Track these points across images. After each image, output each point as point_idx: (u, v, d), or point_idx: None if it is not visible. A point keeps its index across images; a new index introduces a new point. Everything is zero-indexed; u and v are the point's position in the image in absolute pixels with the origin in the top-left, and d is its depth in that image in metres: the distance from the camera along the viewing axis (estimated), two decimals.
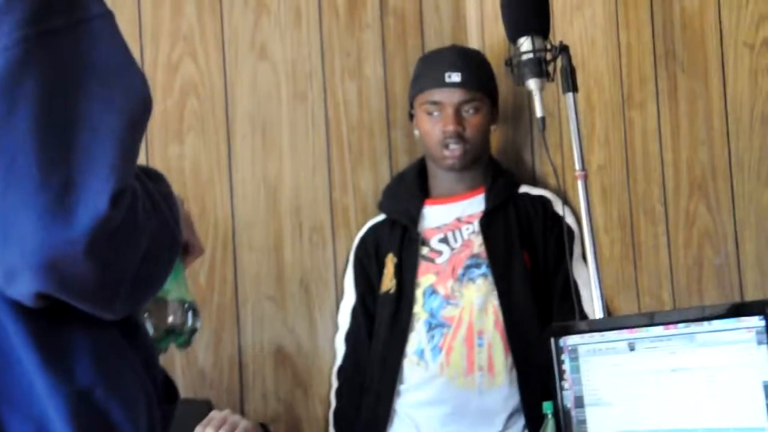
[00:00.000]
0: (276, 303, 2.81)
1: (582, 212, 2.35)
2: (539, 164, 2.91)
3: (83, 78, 1.00)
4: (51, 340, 1.06)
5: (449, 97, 2.72)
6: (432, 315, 2.67)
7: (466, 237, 2.72)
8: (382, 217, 2.82)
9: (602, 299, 2.29)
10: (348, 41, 2.97)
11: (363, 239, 2.81)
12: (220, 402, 2.64)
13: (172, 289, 1.33)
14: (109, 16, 1.05)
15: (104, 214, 0.96)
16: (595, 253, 2.34)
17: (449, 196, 2.79)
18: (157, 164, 2.63)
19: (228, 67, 2.84)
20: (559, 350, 1.95)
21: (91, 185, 0.96)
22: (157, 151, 2.75)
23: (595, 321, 2.25)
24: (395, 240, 2.74)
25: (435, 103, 2.73)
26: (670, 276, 2.45)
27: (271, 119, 2.87)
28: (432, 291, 2.69)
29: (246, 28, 2.87)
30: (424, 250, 2.72)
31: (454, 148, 2.71)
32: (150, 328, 1.30)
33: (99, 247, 0.97)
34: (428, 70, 2.80)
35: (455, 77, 2.73)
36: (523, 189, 2.79)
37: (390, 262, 2.73)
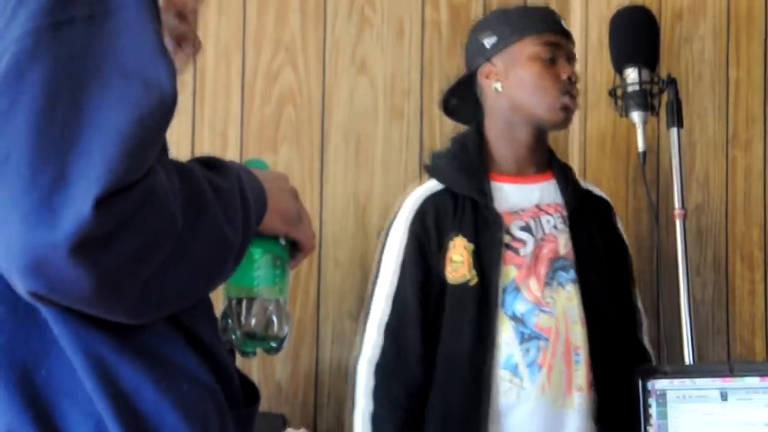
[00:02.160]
0: (357, 321, 2.78)
1: (678, 252, 2.29)
2: (632, 198, 2.84)
3: (100, 69, 0.95)
4: (88, 342, 1.03)
5: (566, 44, 2.39)
6: (522, 323, 2.28)
7: (547, 230, 2.35)
8: (435, 186, 2.38)
9: (692, 344, 2.22)
10: (448, 61, 2.94)
11: (421, 212, 2.34)
12: (294, 418, 2.62)
13: (262, 292, 1.25)
14: (141, 2, 0.99)
15: (87, 218, 0.90)
16: (688, 294, 2.27)
17: (518, 175, 2.41)
18: None
19: (327, 79, 2.84)
20: (647, 393, 1.89)
21: (81, 185, 0.90)
22: (251, 157, 2.74)
23: (686, 366, 2.18)
24: (467, 220, 2.31)
25: (556, 45, 2.36)
26: (764, 325, 2.38)
27: (366, 134, 2.85)
28: (514, 288, 2.30)
29: (348, 40, 2.86)
30: (506, 238, 2.32)
31: (573, 97, 2.35)
32: (231, 331, 1.25)
33: (85, 251, 0.91)
34: (537, 15, 2.44)
35: (566, 27, 2.43)
36: (585, 185, 2.48)
37: (462, 246, 2.30)
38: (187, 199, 1.01)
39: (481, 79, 2.44)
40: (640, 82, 2.42)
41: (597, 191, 2.48)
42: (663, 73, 2.55)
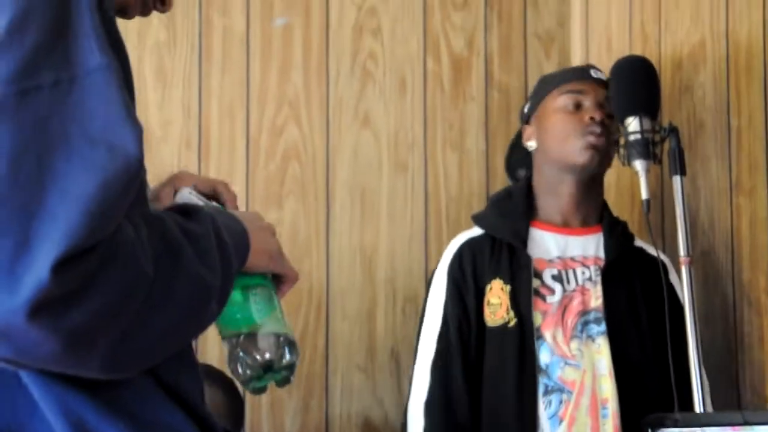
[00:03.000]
0: (366, 373, 2.79)
1: (686, 300, 2.29)
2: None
3: (65, 134, 0.94)
4: (68, 404, 1.03)
5: (594, 90, 2.48)
6: (546, 374, 2.32)
7: (580, 282, 2.41)
8: (476, 231, 2.49)
9: (702, 392, 2.22)
10: (451, 113, 2.96)
11: (458, 255, 2.44)
12: None
13: (266, 323, 1.27)
14: (109, 67, 0.98)
15: (45, 281, 0.90)
16: (696, 342, 2.27)
17: (561, 226, 2.49)
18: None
19: (331, 134, 2.86)
20: None
21: (42, 250, 0.90)
22: None
23: (694, 415, 2.18)
24: (503, 263, 2.39)
25: (579, 92, 2.48)
26: None
27: (371, 187, 2.87)
28: (539, 336, 2.34)
29: (351, 95, 2.88)
30: (536, 283, 2.38)
31: (599, 135, 2.41)
32: (245, 369, 1.26)
33: (46, 313, 0.91)
34: (565, 70, 2.63)
35: (600, 74, 2.52)
36: (638, 243, 2.54)
37: (499, 289, 2.37)
38: (156, 248, 1.01)
39: (524, 143, 2.58)
40: (642, 131, 2.43)
41: (652, 250, 2.48)
42: (665, 122, 2.56)
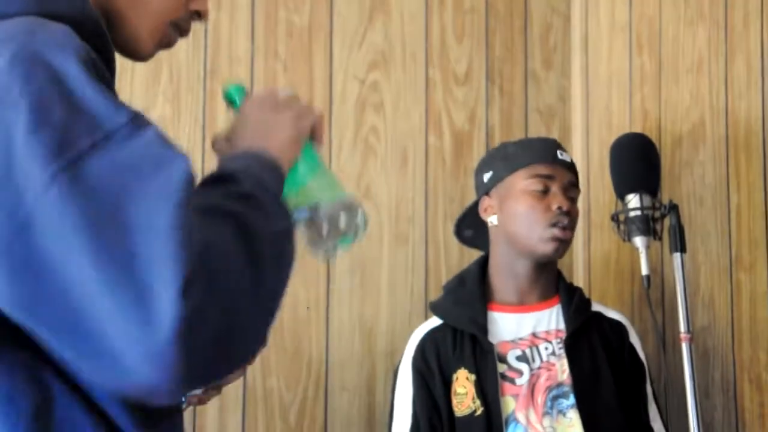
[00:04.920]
0: None
1: (686, 376, 2.29)
2: (638, 320, 2.84)
3: (123, 184, 0.99)
4: None
5: (561, 174, 2.42)
6: None
7: (545, 358, 2.39)
8: (436, 322, 2.46)
9: None
10: (452, 186, 2.98)
11: (421, 348, 2.42)
12: None
13: (323, 193, 1.27)
14: (134, 120, 1.04)
15: (180, 313, 0.95)
16: (697, 417, 2.26)
17: (519, 305, 2.46)
18: None
19: None
20: None
21: (160, 291, 0.95)
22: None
23: None
24: (466, 352, 2.37)
25: (547, 177, 2.40)
26: None
27: (372, 260, 2.87)
28: (514, 419, 2.32)
29: (353, 168, 2.90)
30: (502, 367, 2.36)
31: (566, 228, 2.37)
32: (325, 243, 1.26)
33: (187, 339, 0.96)
34: (531, 147, 2.48)
35: (566, 156, 2.46)
36: (596, 307, 2.50)
37: (465, 378, 2.35)
38: (231, 233, 1.04)
39: (481, 213, 2.52)
40: (642, 208, 2.45)
41: (610, 313, 2.50)
42: (665, 197, 2.58)
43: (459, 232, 2.64)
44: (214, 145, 1.37)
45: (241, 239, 1.04)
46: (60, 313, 0.97)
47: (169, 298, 0.94)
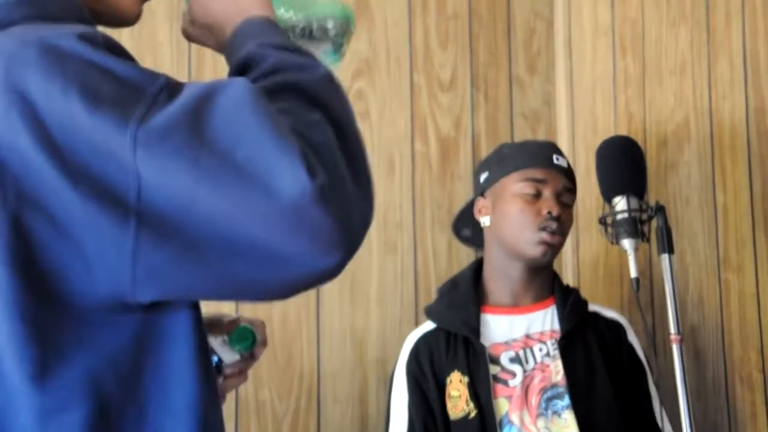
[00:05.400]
0: None
1: (677, 377, 2.28)
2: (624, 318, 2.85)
3: (196, 118, 1.02)
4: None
5: (555, 179, 2.44)
6: None
7: (539, 359, 2.40)
8: (430, 326, 2.48)
9: None
10: (439, 192, 2.98)
11: (415, 352, 2.44)
12: None
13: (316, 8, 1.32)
14: (166, 80, 1.07)
15: (311, 186, 1.00)
16: (689, 418, 2.26)
17: (513, 307, 2.48)
18: (247, 313, 2.64)
19: None
20: None
21: (284, 174, 0.99)
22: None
23: None
24: (460, 355, 2.38)
25: (540, 181, 2.43)
26: None
27: (361, 268, 2.87)
28: (508, 421, 2.33)
29: None
30: (495, 369, 2.38)
31: (554, 233, 2.39)
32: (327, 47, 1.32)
33: (324, 198, 1.01)
34: (527, 151, 2.51)
35: (562, 161, 2.48)
36: (593, 308, 2.52)
37: (458, 381, 2.36)
38: (300, 106, 1.10)
39: (476, 214, 2.54)
40: (629, 210, 2.45)
41: (608, 313, 2.52)
42: (651, 199, 2.58)
43: (457, 231, 2.66)
44: (184, 33, 1.38)
45: (307, 103, 1.10)
46: (218, 240, 1.01)
47: (298, 177, 0.99)
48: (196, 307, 1.14)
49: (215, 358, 1.51)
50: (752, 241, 2.46)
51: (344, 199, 1.04)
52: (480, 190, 2.54)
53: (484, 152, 3.03)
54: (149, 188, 1.00)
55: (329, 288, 2.83)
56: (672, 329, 2.33)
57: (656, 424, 2.39)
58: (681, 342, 2.32)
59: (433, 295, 2.82)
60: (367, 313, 2.85)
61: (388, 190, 2.93)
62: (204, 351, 1.15)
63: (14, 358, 1.03)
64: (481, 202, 2.53)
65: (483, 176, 2.54)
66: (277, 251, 1.01)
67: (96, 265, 1.03)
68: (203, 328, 1.16)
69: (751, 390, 2.42)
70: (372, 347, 2.84)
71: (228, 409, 2.69)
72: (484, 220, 2.51)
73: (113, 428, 1.07)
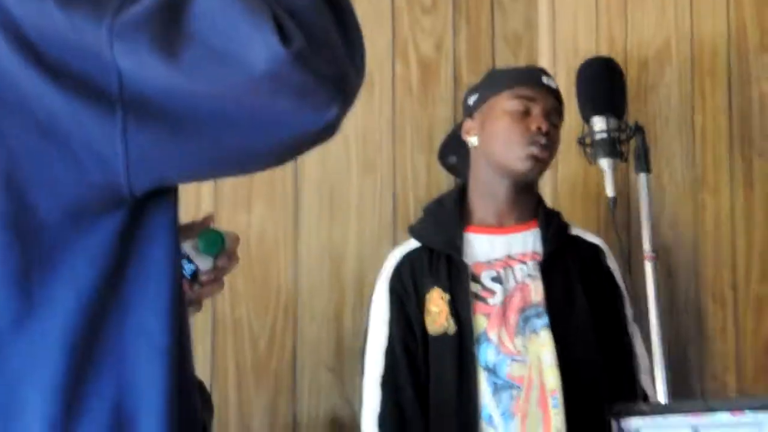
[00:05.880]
0: (334, 373, 2.78)
1: (650, 294, 2.31)
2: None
3: (170, 8, 1.01)
4: None
5: (544, 98, 2.44)
6: (494, 373, 2.34)
7: (519, 279, 2.41)
8: (413, 244, 2.50)
9: (666, 382, 2.24)
10: (420, 115, 2.97)
11: (398, 269, 2.45)
12: None
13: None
14: None
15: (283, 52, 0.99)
16: (660, 334, 2.29)
17: (497, 227, 2.48)
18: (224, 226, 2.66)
19: None
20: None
21: (257, 48, 0.99)
22: (225, 219, 2.75)
23: (658, 404, 2.19)
24: (441, 272, 2.40)
25: (530, 99, 2.43)
26: (736, 361, 2.39)
27: (339, 188, 2.87)
28: (486, 338, 2.35)
29: None
30: (476, 287, 2.40)
31: (544, 148, 2.39)
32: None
33: (302, 61, 1.00)
34: (517, 71, 2.57)
35: (552, 82, 2.50)
36: (574, 231, 2.53)
37: (439, 297, 2.38)
38: None
39: (463, 135, 2.54)
40: (608, 130, 2.46)
41: (588, 236, 2.53)
42: (630, 119, 2.59)
43: (443, 157, 2.66)
44: None
45: None
46: (205, 115, 1.01)
47: (269, 44, 0.98)
48: (176, 204, 1.15)
49: (192, 266, 1.51)
50: (729, 163, 2.48)
51: (330, 55, 1.03)
52: (468, 112, 2.54)
53: (465, 75, 3.02)
54: (130, 78, 1.01)
55: (307, 205, 2.83)
56: (646, 247, 2.35)
57: (632, 350, 2.41)
58: (655, 260, 2.34)
59: (412, 216, 2.83)
60: (345, 232, 2.86)
61: (368, 111, 2.92)
62: (177, 248, 1.15)
63: None
64: (469, 124, 2.53)
65: (472, 99, 2.54)
66: (265, 116, 1.02)
67: (86, 161, 1.03)
68: (178, 226, 1.16)
69: (723, 306, 2.45)
70: (349, 266, 2.84)
71: (204, 326, 2.70)
72: (472, 140, 2.50)
73: (96, 328, 1.08)
